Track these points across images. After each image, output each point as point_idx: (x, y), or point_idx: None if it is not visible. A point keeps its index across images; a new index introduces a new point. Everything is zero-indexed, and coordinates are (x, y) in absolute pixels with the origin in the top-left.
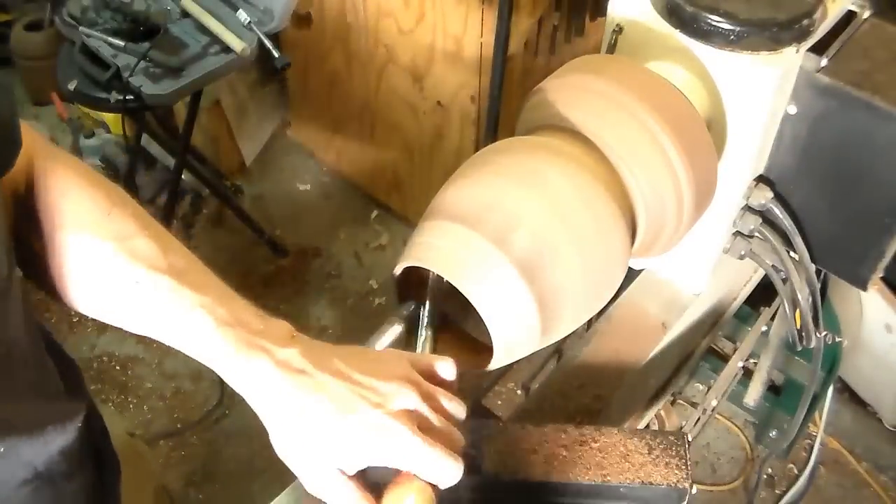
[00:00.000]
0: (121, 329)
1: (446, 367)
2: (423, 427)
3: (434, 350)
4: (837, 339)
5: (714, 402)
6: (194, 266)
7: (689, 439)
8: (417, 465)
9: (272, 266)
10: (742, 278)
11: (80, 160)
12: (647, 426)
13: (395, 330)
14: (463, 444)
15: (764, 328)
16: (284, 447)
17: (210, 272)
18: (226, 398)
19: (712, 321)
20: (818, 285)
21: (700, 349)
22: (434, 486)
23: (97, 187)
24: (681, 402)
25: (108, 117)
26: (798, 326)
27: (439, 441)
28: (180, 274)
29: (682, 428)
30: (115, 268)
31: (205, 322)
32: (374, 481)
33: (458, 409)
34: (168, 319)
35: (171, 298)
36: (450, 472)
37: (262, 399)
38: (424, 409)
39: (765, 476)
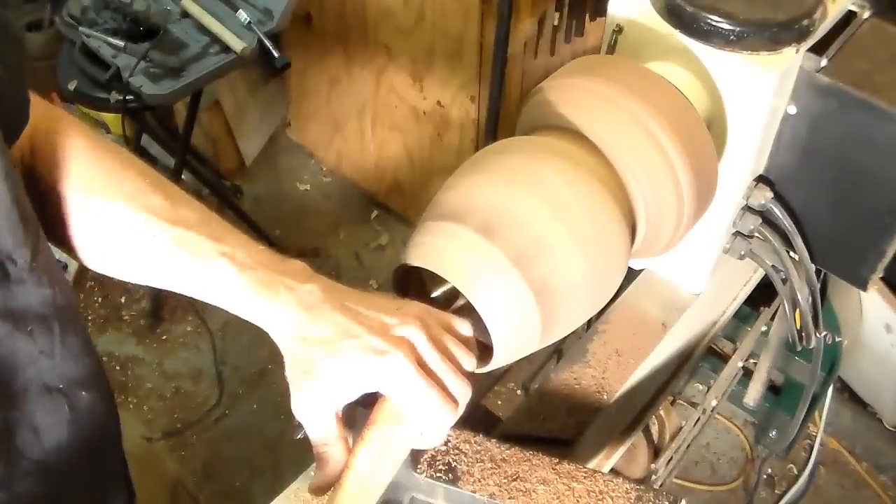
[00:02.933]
0: (121, 329)
1: (463, 324)
2: (423, 365)
3: None
4: (837, 339)
5: (714, 402)
6: (208, 216)
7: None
8: (408, 398)
9: None
10: (742, 278)
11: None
12: (647, 426)
13: None
14: (467, 396)
15: (764, 328)
16: (289, 375)
17: (223, 221)
18: (225, 398)
19: (712, 321)
20: (818, 285)
21: (700, 349)
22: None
23: (104, 149)
24: (681, 402)
25: (108, 117)
26: (798, 326)
27: (437, 384)
28: (196, 225)
29: (681, 428)
30: (130, 226)
31: (227, 269)
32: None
33: (465, 356)
34: (189, 270)
35: (191, 250)
36: (439, 416)
37: (282, 333)
38: (427, 347)
39: (764, 476)
